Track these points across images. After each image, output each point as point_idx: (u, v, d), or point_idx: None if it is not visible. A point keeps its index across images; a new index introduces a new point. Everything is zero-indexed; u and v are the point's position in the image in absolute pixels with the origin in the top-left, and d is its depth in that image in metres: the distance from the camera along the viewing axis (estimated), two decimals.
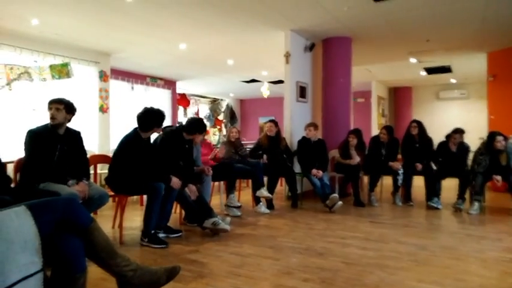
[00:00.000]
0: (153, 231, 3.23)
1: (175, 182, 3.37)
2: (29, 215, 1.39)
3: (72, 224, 1.62)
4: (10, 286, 1.24)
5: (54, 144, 2.91)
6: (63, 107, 2.91)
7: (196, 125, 3.82)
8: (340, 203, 4.57)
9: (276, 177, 5.07)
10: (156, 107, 3.49)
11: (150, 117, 3.36)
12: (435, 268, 2.65)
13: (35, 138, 2.86)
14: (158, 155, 3.51)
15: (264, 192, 4.56)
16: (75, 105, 3.03)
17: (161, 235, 3.36)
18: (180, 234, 3.52)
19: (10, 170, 3.14)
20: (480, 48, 6.78)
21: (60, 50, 6.23)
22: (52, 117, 2.88)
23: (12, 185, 2.85)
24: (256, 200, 4.66)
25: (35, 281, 1.29)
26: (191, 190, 3.56)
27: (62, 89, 6.17)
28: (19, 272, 1.26)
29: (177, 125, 4.47)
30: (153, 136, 3.64)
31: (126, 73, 8.59)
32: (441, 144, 5.14)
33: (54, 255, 1.44)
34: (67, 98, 3.01)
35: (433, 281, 2.39)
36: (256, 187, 4.56)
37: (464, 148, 5.01)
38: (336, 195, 4.66)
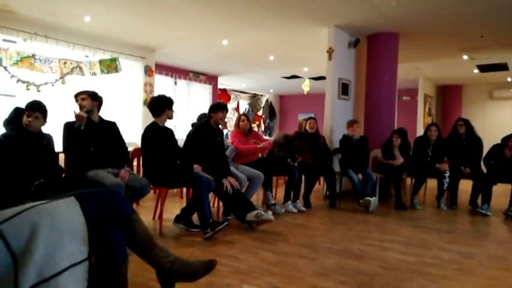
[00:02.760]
0: (210, 220, 3.27)
1: (197, 168, 3.49)
2: (78, 205, 1.47)
3: (115, 214, 1.69)
4: (60, 272, 1.32)
5: (89, 132, 3.09)
6: (88, 96, 3.14)
7: (215, 104, 3.98)
8: (374, 200, 4.43)
9: (315, 175, 5.00)
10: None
11: (158, 102, 3.55)
12: (481, 279, 2.51)
13: (70, 129, 3.06)
14: (188, 148, 3.60)
15: (289, 206, 4.49)
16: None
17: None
18: (228, 222, 3.36)
19: (61, 160, 3.33)
20: None
21: (109, 45, 6.50)
22: (80, 107, 3.12)
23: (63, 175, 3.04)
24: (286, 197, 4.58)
25: (81, 268, 1.35)
26: (231, 182, 3.62)
27: (110, 83, 6.47)
28: (68, 259, 1.33)
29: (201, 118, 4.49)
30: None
31: (170, 68, 8.82)
32: (495, 147, 4.83)
33: (98, 244, 1.51)
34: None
35: None
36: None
37: None
38: (368, 198, 4.51)
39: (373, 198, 4.52)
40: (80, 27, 5.82)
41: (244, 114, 4.84)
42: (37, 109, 2.84)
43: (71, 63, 5.99)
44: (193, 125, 3.96)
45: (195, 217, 3.51)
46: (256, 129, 12.29)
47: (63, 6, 4.95)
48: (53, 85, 5.78)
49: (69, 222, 1.38)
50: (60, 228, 1.34)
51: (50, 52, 5.78)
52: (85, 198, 1.60)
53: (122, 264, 1.64)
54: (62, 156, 3.37)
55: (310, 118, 5.23)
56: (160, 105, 3.54)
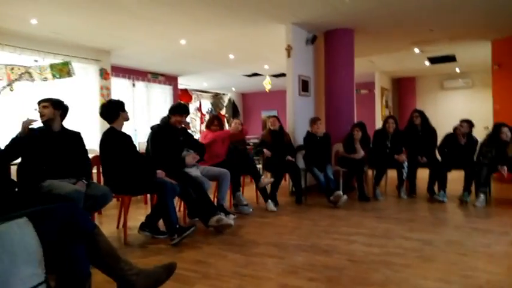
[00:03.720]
0: (177, 226, 3.20)
1: (161, 173, 3.40)
2: (31, 226, 1.38)
3: (75, 230, 1.62)
4: None
5: (48, 141, 2.98)
6: (50, 104, 3.02)
7: (176, 106, 3.94)
8: (345, 198, 4.55)
9: (281, 172, 5.04)
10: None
11: (110, 107, 3.42)
12: (441, 264, 2.63)
13: (29, 138, 2.94)
14: (152, 152, 3.56)
15: (265, 179, 4.59)
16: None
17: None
18: (194, 228, 3.28)
19: (13, 172, 3.13)
20: (484, 36, 6.68)
21: (60, 49, 6.20)
22: (41, 115, 3.01)
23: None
24: (265, 197, 4.62)
25: None
26: (193, 157, 3.66)
27: (63, 88, 6.17)
28: (23, 284, 1.26)
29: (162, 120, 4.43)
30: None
31: (127, 70, 8.56)
32: (448, 136, 5.08)
33: (58, 262, 1.44)
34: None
35: (439, 278, 2.37)
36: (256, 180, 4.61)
37: (472, 141, 4.95)
38: (339, 192, 4.64)
39: (344, 196, 4.59)
40: (27, 31, 5.49)
41: (216, 117, 4.83)
42: None
43: (19, 68, 5.65)
44: (152, 128, 3.84)
45: (161, 223, 3.43)
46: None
47: (6, 9, 4.65)
48: None
49: (21, 245, 1.30)
50: (12, 252, 1.26)
51: None
52: (42, 215, 1.51)
53: (86, 281, 1.57)
54: (14, 168, 3.18)
55: (271, 116, 5.25)
56: (113, 110, 3.40)
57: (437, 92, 11.01)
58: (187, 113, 3.94)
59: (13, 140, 2.95)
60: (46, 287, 1.34)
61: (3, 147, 2.93)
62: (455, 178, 5.03)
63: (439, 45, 7.30)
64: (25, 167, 2.97)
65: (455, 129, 5.04)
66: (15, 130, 3.01)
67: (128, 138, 3.48)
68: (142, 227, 3.50)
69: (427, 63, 9.01)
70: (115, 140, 3.35)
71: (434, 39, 6.69)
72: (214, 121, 4.68)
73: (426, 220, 4.00)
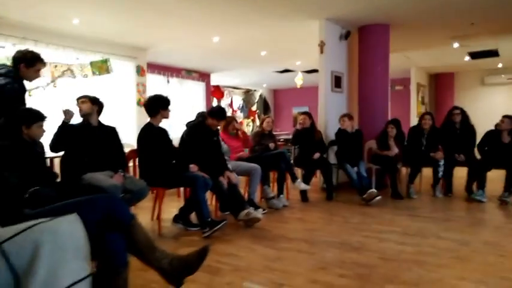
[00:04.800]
0: (209, 219, 3.28)
1: (193, 167, 3.49)
2: (80, 222, 1.47)
3: (114, 221, 1.70)
4: None
5: (87, 135, 3.17)
6: (88, 100, 3.23)
7: (216, 110, 3.98)
8: (378, 197, 4.47)
9: (312, 169, 5.02)
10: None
11: (152, 102, 3.55)
12: (478, 265, 2.55)
13: (70, 132, 3.14)
14: (183, 147, 3.64)
15: (301, 184, 4.58)
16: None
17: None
18: (226, 222, 3.37)
19: (57, 165, 3.32)
20: None
21: (100, 47, 6.45)
22: (79, 110, 3.21)
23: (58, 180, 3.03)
24: (293, 177, 4.62)
25: (84, 285, 1.36)
26: (231, 177, 3.66)
27: (102, 85, 6.42)
28: (71, 277, 1.33)
29: (199, 117, 4.48)
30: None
31: (162, 67, 8.78)
32: (490, 133, 4.86)
33: (98, 251, 1.52)
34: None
35: (476, 279, 2.30)
36: (292, 179, 4.62)
37: None
38: (374, 190, 4.55)
39: (378, 196, 4.49)
40: (70, 30, 5.77)
41: (230, 119, 4.73)
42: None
43: (62, 66, 5.93)
44: (187, 125, 3.95)
45: (193, 216, 3.52)
46: (251, 124, 12.30)
47: (51, 10, 4.90)
48: (44, 89, 5.74)
49: (71, 240, 1.38)
50: (62, 247, 1.34)
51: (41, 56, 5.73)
52: (84, 206, 1.60)
53: (123, 270, 1.65)
54: (57, 161, 3.37)
55: (302, 113, 5.25)
56: (154, 106, 3.54)
57: (478, 88, 10.53)
58: (224, 118, 4.01)
59: (60, 128, 3.15)
60: (91, 280, 1.43)
61: (50, 142, 3.12)
62: (496, 177, 4.82)
63: (481, 40, 6.97)
64: (68, 159, 3.16)
65: (497, 125, 4.80)
66: (57, 125, 3.20)
67: (163, 133, 3.61)
68: (176, 219, 3.61)
69: (467, 58, 8.63)
70: (151, 135, 3.48)
71: (475, 33, 6.39)
72: (230, 124, 4.62)
73: (463, 220, 3.87)
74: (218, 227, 3.22)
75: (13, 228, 1.35)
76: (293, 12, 5.19)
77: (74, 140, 3.13)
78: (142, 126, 3.58)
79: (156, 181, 3.43)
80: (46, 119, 2.71)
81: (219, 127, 4.08)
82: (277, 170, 4.62)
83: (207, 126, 3.88)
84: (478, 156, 4.97)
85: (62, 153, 3.29)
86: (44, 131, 2.73)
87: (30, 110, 2.66)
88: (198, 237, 3.27)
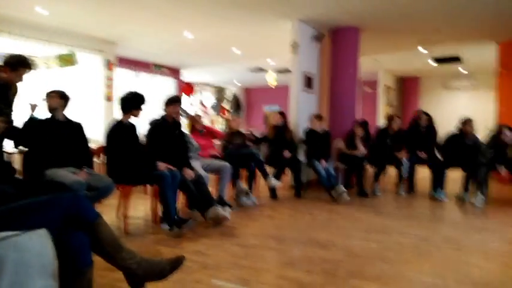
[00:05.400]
0: (176, 217, 3.25)
1: (161, 166, 3.42)
2: (50, 238, 1.41)
3: (79, 219, 1.65)
4: None
5: (53, 131, 3.08)
6: (57, 95, 3.16)
7: (171, 97, 3.92)
8: (346, 197, 4.57)
9: (283, 167, 5.08)
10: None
11: (128, 100, 3.48)
12: (436, 260, 2.67)
13: (34, 125, 3.05)
14: (149, 146, 3.60)
15: (272, 180, 4.62)
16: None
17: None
18: (190, 221, 3.38)
19: (18, 160, 3.19)
20: (491, 38, 6.66)
21: (66, 39, 6.23)
22: (48, 105, 3.14)
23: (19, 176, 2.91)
24: (264, 174, 4.65)
25: None
26: (187, 173, 3.61)
27: (68, 78, 6.21)
28: None
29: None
30: None
31: (131, 61, 8.59)
32: (455, 135, 5.06)
33: (61, 251, 1.47)
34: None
35: (434, 273, 2.41)
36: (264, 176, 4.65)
37: (478, 143, 4.93)
38: (343, 189, 4.65)
39: (346, 196, 4.61)
40: (34, 20, 5.53)
41: (192, 116, 4.71)
42: None
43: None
44: (150, 123, 3.87)
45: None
46: (224, 124, 12.23)
47: None
48: None
49: (38, 256, 1.33)
50: (28, 264, 1.29)
51: (2, 47, 5.46)
52: (47, 205, 1.55)
53: (88, 270, 1.61)
54: (17, 157, 3.23)
55: (276, 112, 5.31)
56: (126, 104, 3.48)
57: (441, 92, 11.00)
58: (179, 101, 3.96)
59: (27, 123, 3.06)
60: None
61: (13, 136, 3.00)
62: (455, 177, 5.05)
63: (445, 46, 7.29)
64: (30, 155, 3.04)
65: (461, 128, 5.01)
66: (23, 116, 3.08)
67: (132, 129, 3.53)
68: (162, 221, 3.50)
69: (432, 63, 9.00)
70: (120, 132, 3.41)
71: (440, 39, 6.67)
72: (197, 122, 4.59)
73: (424, 217, 4.04)
74: (185, 225, 3.19)
75: None
76: (266, 11, 5.22)
77: (39, 134, 3.02)
78: (110, 121, 3.49)
79: (123, 178, 3.36)
80: (5, 114, 2.59)
81: (182, 121, 4.02)
82: (248, 168, 4.64)
83: (167, 120, 3.81)
84: (439, 156, 5.19)
85: (22, 148, 3.16)
86: (3, 125, 2.61)
87: None
88: (165, 235, 3.22)
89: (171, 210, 3.25)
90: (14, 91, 3.15)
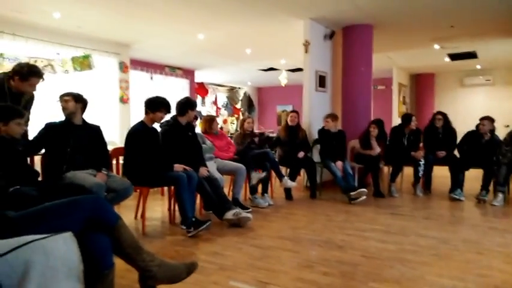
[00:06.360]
0: (193, 219, 3.26)
1: (177, 167, 3.45)
2: (75, 241, 1.44)
3: (100, 222, 1.68)
4: None
5: (69, 134, 3.10)
6: (72, 98, 3.13)
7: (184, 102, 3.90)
8: (364, 197, 4.54)
9: (297, 167, 5.06)
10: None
11: (150, 102, 3.51)
12: (456, 263, 2.63)
13: (50, 130, 3.09)
14: (163, 148, 3.62)
15: (288, 182, 4.62)
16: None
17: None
18: (209, 223, 3.36)
19: (38, 163, 3.24)
20: (506, 33, 6.51)
21: (82, 42, 6.33)
22: (63, 109, 3.13)
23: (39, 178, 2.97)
24: (279, 175, 4.69)
25: None
26: (202, 172, 3.63)
27: (83, 81, 6.30)
28: None
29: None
30: None
31: (145, 63, 8.67)
32: (470, 133, 4.99)
33: (83, 253, 1.50)
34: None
35: (455, 276, 2.38)
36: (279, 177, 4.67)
37: (494, 139, 4.85)
38: (364, 190, 4.60)
39: (364, 196, 4.56)
40: (50, 24, 5.62)
41: (206, 118, 4.69)
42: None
43: (42, 61, 5.79)
44: (161, 125, 3.88)
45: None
46: (235, 122, 12.27)
47: (30, 2, 4.77)
48: None
49: (64, 260, 1.36)
50: (54, 267, 1.32)
51: (19, 51, 5.58)
52: (69, 208, 1.57)
53: (109, 272, 1.63)
54: (37, 159, 3.29)
55: (291, 111, 5.29)
56: (148, 106, 3.50)
57: (457, 89, 10.81)
58: (196, 106, 3.97)
59: (44, 130, 3.11)
60: None
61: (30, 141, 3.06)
62: (474, 177, 4.96)
63: (460, 42, 7.16)
64: (49, 158, 3.09)
65: (478, 126, 4.93)
66: (39, 121, 3.13)
67: (153, 133, 3.56)
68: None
69: (447, 59, 8.85)
70: (143, 135, 3.45)
71: (455, 35, 6.55)
72: (212, 123, 4.57)
73: (442, 218, 3.97)
74: (203, 227, 3.21)
75: (4, 243, 1.31)
76: (278, 11, 5.20)
77: (56, 138, 3.06)
78: (132, 124, 3.54)
79: (141, 180, 3.39)
80: (24, 116, 2.65)
81: (197, 123, 4.05)
82: (262, 168, 4.64)
83: (179, 123, 3.82)
84: (458, 156, 5.11)
85: (43, 151, 3.22)
86: (23, 128, 2.67)
87: (7, 106, 2.59)
88: (183, 236, 3.25)
89: (188, 211, 3.27)
90: (26, 99, 3.15)
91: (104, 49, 6.73)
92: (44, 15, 5.24)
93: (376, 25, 5.85)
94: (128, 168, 3.46)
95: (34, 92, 3.20)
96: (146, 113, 3.53)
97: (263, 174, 4.55)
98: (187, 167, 3.49)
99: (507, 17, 5.52)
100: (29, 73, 2.99)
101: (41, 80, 3.08)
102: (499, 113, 7.34)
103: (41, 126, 3.14)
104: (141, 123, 3.53)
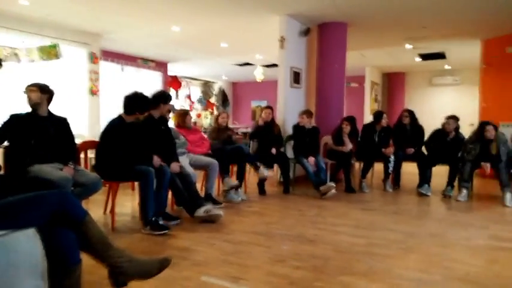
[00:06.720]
0: (153, 218, 3.19)
1: (156, 160, 3.37)
2: (38, 238, 1.38)
3: (66, 217, 1.62)
4: None
5: (35, 126, 2.99)
6: (37, 88, 3.03)
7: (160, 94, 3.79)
8: (333, 191, 4.61)
9: (271, 162, 5.08)
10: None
11: (133, 101, 3.37)
12: (423, 256, 2.71)
13: (14, 121, 2.96)
14: (138, 142, 3.52)
15: (264, 171, 4.69)
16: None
17: (160, 222, 3.29)
18: (179, 221, 3.46)
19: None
20: (475, 35, 6.77)
21: (49, 30, 6.07)
22: (28, 99, 3.02)
23: (1, 172, 2.83)
24: (255, 166, 4.78)
25: None
26: (174, 167, 3.56)
27: (50, 71, 6.06)
28: None
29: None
30: None
31: (117, 54, 8.43)
32: (436, 131, 5.16)
33: (48, 249, 1.44)
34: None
35: (421, 269, 2.45)
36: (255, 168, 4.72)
37: (459, 137, 5.04)
38: (332, 183, 4.69)
39: (333, 190, 4.64)
40: (17, 11, 5.35)
41: (180, 112, 4.65)
42: None
43: (5, 49, 5.52)
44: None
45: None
46: (209, 116, 12.17)
47: None
48: None
49: (27, 256, 1.30)
50: (16, 265, 1.26)
51: None
52: (34, 202, 1.51)
53: (76, 268, 1.58)
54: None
55: (266, 107, 5.29)
56: (132, 106, 3.36)
57: (426, 88, 11.15)
58: (170, 99, 3.88)
59: (8, 120, 2.97)
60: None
61: None
62: (440, 173, 5.14)
63: (431, 42, 7.37)
64: (13, 151, 2.95)
65: (443, 125, 5.11)
66: (3, 110, 2.99)
67: (132, 128, 3.43)
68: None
69: (417, 59, 9.10)
70: (122, 130, 3.33)
71: (426, 36, 6.74)
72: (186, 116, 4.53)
73: (410, 213, 4.09)
74: (159, 232, 3.11)
75: None
76: (254, 6, 5.18)
77: (21, 130, 2.92)
78: (102, 116, 3.42)
79: (112, 174, 3.30)
80: None
81: (169, 116, 3.96)
82: (237, 163, 4.63)
83: (152, 117, 3.71)
84: (426, 153, 5.27)
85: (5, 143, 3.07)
86: None
87: None
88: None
89: (149, 209, 3.18)
90: None
91: (73, 39, 6.48)
92: (11, 2, 4.98)
93: (351, 23, 5.93)
94: (100, 163, 3.34)
95: None
96: (129, 112, 3.38)
97: (235, 183, 4.53)
98: (163, 162, 3.42)
99: (476, 19, 5.73)
100: None
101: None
102: (466, 112, 7.64)
103: (3, 117, 2.99)
104: (119, 117, 3.38)
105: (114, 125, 3.34)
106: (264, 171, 4.70)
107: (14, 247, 1.30)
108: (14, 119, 2.98)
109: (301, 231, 3.29)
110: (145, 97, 3.44)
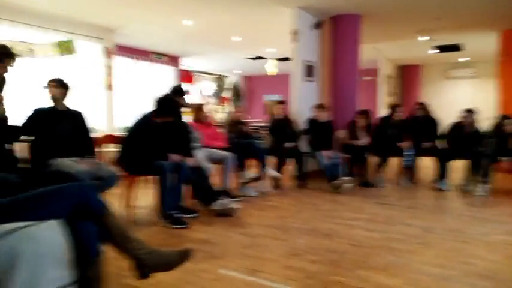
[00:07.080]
0: (171, 212, 3.23)
1: (175, 156, 3.41)
2: (61, 228, 1.41)
3: (87, 209, 1.64)
4: None
5: (55, 120, 3.10)
6: (55, 84, 3.16)
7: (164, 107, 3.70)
8: (348, 185, 4.59)
9: (285, 158, 5.07)
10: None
11: (166, 106, 3.45)
12: (441, 251, 2.69)
13: (39, 115, 3.08)
14: (163, 141, 3.57)
15: (271, 172, 4.62)
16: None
17: (178, 215, 3.34)
18: (197, 214, 3.48)
19: (24, 149, 3.16)
20: (492, 27, 6.61)
21: (64, 26, 6.13)
22: (50, 94, 3.16)
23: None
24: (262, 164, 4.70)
25: None
26: (189, 162, 3.59)
27: (65, 66, 6.14)
28: (51, 286, 1.29)
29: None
30: None
31: (130, 49, 8.48)
32: (455, 125, 5.07)
33: (71, 241, 1.47)
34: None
35: (439, 264, 2.43)
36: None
37: (477, 131, 4.95)
38: (347, 178, 4.66)
39: (348, 183, 4.63)
40: (32, 7, 5.42)
41: (195, 106, 4.67)
42: None
43: (21, 44, 5.60)
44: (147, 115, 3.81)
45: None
46: (222, 111, 12.19)
47: None
48: None
49: (51, 247, 1.33)
50: (42, 255, 1.29)
51: None
52: (54, 195, 1.53)
53: (97, 260, 1.61)
54: (18, 146, 3.20)
55: (279, 102, 5.28)
56: (165, 111, 3.44)
57: (442, 81, 10.96)
58: (184, 93, 3.91)
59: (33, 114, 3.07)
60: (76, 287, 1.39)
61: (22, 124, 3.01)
62: (458, 167, 5.07)
63: (446, 34, 7.23)
64: (36, 144, 3.04)
65: (460, 118, 5.02)
66: (20, 105, 3.07)
67: (161, 128, 3.48)
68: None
69: (432, 51, 8.94)
70: (150, 128, 3.39)
71: (441, 27, 6.62)
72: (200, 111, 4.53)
73: (427, 208, 4.05)
74: (176, 226, 3.15)
75: None
76: None
77: (44, 124, 3.04)
78: (116, 111, 3.48)
79: (134, 168, 3.37)
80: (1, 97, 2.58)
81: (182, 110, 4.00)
82: (254, 157, 4.64)
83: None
84: (441, 147, 5.19)
85: (25, 137, 3.14)
86: (3, 108, 2.59)
87: None
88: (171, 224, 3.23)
89: (166, 203, 3.23)
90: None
91: (87, 34, 6.54)
92: None
93: (364, 15, 5.85)
94: (125, 156, 3.40)
95: (5, 74, 3.09)
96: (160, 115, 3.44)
97: (254, 175, 4.57)
98: (181, 158, 3.45)
99: (492, 10, 5.59)
100: (2, 54, 2.90)
101: (14, 61, 2.98)
102: (484, 105, 7.48)
103: (18, 112, 3.09)
104: (150, 116, 3.44)
105: (144, 123, 3.41)
106: (270, 171, 4.68)
107: (41, 238, 1.32)
108: (39, 113, 3.08)
109: (317, 225, 3.29)
110: (176, 101, 3.56)
